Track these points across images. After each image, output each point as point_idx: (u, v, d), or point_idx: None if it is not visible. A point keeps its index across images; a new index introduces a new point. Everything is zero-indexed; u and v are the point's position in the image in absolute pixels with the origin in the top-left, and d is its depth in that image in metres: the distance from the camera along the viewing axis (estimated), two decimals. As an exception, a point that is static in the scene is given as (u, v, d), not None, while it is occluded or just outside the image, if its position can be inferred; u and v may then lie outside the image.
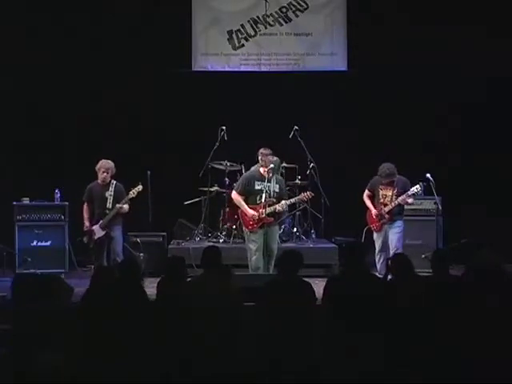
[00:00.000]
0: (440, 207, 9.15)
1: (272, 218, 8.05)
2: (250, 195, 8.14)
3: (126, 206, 8.43)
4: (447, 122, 10.58)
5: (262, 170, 8.14)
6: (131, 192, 8.40)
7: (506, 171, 10.31)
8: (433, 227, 9.36)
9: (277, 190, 8.13)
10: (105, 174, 8.44)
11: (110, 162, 8.52)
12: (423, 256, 8.69)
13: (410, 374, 4.89)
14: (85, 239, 8.50)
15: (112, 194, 8.42)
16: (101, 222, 8.43)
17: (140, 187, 8.47)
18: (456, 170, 10.36)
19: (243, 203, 8.13)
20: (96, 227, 8.44)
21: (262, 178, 8.08)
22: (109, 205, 8.40)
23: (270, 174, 8.05)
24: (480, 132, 10.44)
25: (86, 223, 8.51)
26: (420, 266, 6.49)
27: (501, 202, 10.17)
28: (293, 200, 8.40)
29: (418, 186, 8.39)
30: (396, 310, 5.27)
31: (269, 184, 8.05)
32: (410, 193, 8.38)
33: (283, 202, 8.12)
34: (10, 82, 10.32)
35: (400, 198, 8.39)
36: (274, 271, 7.84)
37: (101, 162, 8.52)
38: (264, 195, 7.99)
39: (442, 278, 5.49)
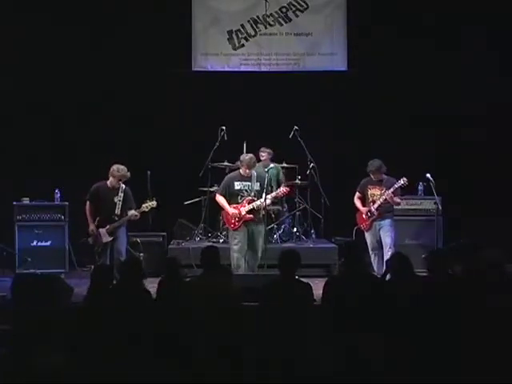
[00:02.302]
0: (440, 207, 9.16)
1: (252, 215, 8.10)
2: (231, 196, 8.22)
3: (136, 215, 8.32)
4: (447, 122, 10.57)
5: (241, 170, 8.23)
6: (144, 206, 8.28)
7: (506, 171, 10.31)
8: (433, 227, 9.37)
9: (257, 188, 8.19)
10: (120, 182, 8.26)
11: (125, 169, 8.26)
12: (423, 256, 8.68)
13: (409, 374, 4.89)
14: (90, 240, 8.35)
15: (121, 200, 8.26)
16: (108, 226, 8.26)
17: (154, 203, 8.32)
18: (456, 169, 10.36)
19: (225, 204, 8.21)
20: (102, 231, 8.27)
21: (241, 178, 8.20)
22: (117, 211, 8.25)
23: (247, 171, 8.09)
24: (480, 132, 10.42)
25: (91, 226, 8.29)
26: (420, 266, 6.48)
27: (501, 202, 10.17)
28: (269, 196, 8.27)
29: (403, 178, 8.41)
30: (395, 309, 5.27)
31: (248, 183, 8.16)
32: (396, 185, 8.41)
33: (263, 198, 8.14)
34: (10, 81, 10.32)
35: (386, 193, 8.42)
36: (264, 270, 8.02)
37: (120, 171, 8.22)
38: (241, 194, 8.12)
39: (442, 277, 5.49)
